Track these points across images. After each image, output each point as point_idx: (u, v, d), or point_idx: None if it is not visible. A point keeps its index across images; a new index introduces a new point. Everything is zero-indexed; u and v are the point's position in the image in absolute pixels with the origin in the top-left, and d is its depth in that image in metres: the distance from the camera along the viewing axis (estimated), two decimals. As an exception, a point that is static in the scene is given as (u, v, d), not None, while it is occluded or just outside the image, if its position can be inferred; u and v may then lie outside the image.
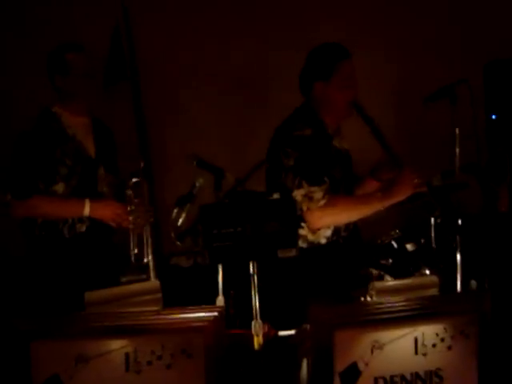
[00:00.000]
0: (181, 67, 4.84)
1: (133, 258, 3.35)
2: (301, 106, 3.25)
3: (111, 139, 3.61)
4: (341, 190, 3.16)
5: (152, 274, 3.33)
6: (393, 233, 3.79)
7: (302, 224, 3.00)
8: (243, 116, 4.87)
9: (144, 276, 4.02)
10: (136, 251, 3.35)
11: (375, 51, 4.77)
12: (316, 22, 4.81)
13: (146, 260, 3.33)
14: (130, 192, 3.35)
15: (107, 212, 3.32)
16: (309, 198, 2.99)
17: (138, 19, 4.79)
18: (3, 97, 4.57)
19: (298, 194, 2.99)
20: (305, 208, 2.98)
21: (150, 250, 3.35)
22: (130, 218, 3.32)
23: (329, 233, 3.11)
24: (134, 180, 3.37)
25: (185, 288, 4.15)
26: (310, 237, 3.06)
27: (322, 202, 2.99)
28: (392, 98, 4.90)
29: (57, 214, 3.30)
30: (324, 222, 3.05)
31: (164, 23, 4.81)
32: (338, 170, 3.18)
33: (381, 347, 2.25)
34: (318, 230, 3.06)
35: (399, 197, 3.05)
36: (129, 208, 3.33)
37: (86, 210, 3.29)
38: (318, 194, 3.00)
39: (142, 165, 3.49)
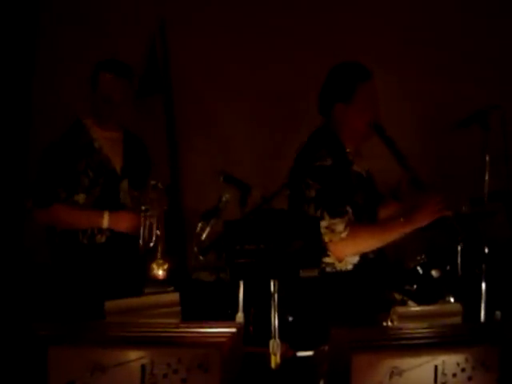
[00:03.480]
0: (213, 81, 4.87)
1: (141, 241, 3.34)
2: (320, 129, 3.21)
3: (143, 154, 3.62)
4: (364, 215, 3.13)
5: (159, 255, 3.28)
6: (419, 258, 3.74)
7: (329, 252, 2.98)
8: (274, 131, 4.87)
9: (171, 288, 4.02)
10: (146, 234, 3.34)
11: (407, 72, 4.75)
12: (345, 38, 4.80)
13: (151, 244, 3.32)
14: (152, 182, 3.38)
15: (124, 223, 3.33)
16: (331, 230, 2.97)
17: (173, 33, 4.85)
18: (48, 108, 4.65)
19: (322, 226, 2.97)
20: (327, 240, 2.96)
21: (158, 234, 3.33)
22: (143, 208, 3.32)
23: (356, 259, 3.09)
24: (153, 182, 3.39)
25: (206, 303, 4.14)
26: (338, 264, 3.04)
27: (344, 234, 2.98)
28: (422, 121, 4.86)
29: (75, 223, 3.33)
30: (346, 252, 3.03)
31: (199, 37, 4.85)
32: (360, 196, 3.15)
33: (400, 374, 2.20)
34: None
35: (421, 223, 3.00)
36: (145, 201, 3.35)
37: (105, 222, 3.30)
38: (340, 226, 2.98)
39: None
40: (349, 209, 3.03)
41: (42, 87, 4.74)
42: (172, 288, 4.07)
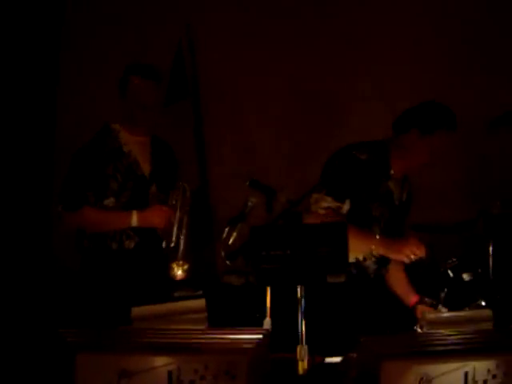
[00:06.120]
0: (241, 85, 4.87)
1: (164, 243, 3.37)
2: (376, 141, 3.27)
3: (171, 158, 3.62)
4: (377, 227, 3.16)
5: (180, 255, 3.34)
6: (450, 261, 3.70)
7: None
8: (302, 135, 4.85)
9: (200, 292, 4.02)
10: (169, 237, 3.36)
11: (438, 73, 4.70)
12: (374, 40, 4.78)
13: (172, 245, 3.32)
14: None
15: (155, 218, 3.35)
16: (315, 201, 3.06)
17: (200, 38, 4.85)
18: (76, 113, 4.69)
19: (313, 196, 3.07)
20: (313, 209, 3.05)
21: (181, 236, 3.35)
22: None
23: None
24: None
25: (235, 306, 4.15)
26: None
27: (321, 211, 3.01)
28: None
29: (104, 225, 3.34)
30: None
31: (226, 43, 4.85)
32: (378, 209, 3.17)
33: (429, 381, 2.17)
34: None
35: (392, 255, 3.11)
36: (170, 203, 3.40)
37: (134, 220, 3.32)
38: (325, 203, 3.01)
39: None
40: (346, 203, 3.08)
41: (68, 91, 4.77)
42: (201, 292, 4.07)
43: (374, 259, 3.23)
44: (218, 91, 4.88)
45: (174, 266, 3.32)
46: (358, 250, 3.09)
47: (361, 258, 3.14)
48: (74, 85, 4.74)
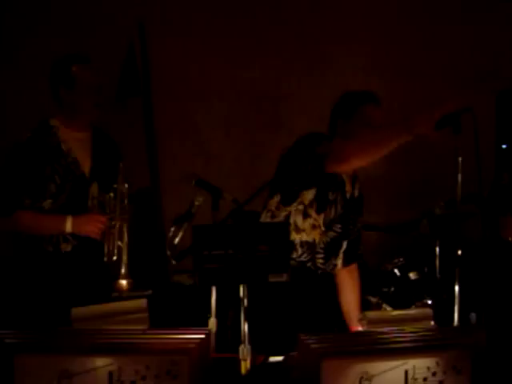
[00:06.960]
0: (193, 85, 4.87)
1: (105, 257, 3.26)
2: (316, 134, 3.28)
3: (114, 152, 3.48)
4: (333, 210, 3.18)
5: (123, 271, 3.25)
6: (396, 260, 3.75)
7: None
8: (253, 134, 4.88)
9: (149, 292, 3.99)
10: (110, 249, 3.26)
11: (385, 75, 4.76)
12: (327, 43, 4.82)
13: (114, 258, 3.24)
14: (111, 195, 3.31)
15: (90, 227, 3.21)
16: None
17: (152, 37, 4.83)
18: (10, 108, 4.61)
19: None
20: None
21: (123, 249, 3.26)
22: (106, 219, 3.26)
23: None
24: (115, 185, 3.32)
25: (186, 306, 4.14)
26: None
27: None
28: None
29: (39, 230, 3.22)
30: (352, 153, 3.00)
31: (178, 40, 4.85)
32: (334, 194, 3.18)
33: (369, 379, 2.19)
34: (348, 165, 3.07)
35: (421, 127, 2.91)
36: (108, 210, 3.28)
37: (68, 227, 3.18)
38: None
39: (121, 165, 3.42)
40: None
41: (8, 90, 4.69)
42: (150, 291, 4.04)
43: (322, 245, 3.20)
44: (169, 90, 4.87)
45: (120, 280, 3.26)
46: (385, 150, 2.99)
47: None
48: (15, 84, 4.66)
